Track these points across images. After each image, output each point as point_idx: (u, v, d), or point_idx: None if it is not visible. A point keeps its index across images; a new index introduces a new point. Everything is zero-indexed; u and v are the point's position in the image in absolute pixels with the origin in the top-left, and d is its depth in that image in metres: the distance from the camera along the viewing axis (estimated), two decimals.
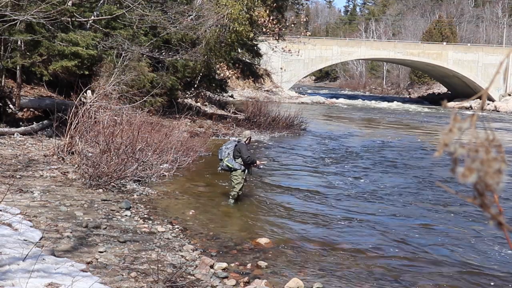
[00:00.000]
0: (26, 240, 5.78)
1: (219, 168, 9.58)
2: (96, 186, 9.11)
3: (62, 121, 12.09)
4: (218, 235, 7.54)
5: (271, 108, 23.60)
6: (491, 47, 53.26)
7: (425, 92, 63.53)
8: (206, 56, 20.55)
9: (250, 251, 6.96)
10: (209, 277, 5.79)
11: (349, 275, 6.37)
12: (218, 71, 28.09)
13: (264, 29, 26.19)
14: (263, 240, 7.38)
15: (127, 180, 9.75)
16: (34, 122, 14.00)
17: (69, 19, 14.26)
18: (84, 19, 15.25)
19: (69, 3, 14.23)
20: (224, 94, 27.73)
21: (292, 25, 36.33)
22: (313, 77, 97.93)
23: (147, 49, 16.99)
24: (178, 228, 7.59)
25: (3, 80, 14.52)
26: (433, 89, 63.86)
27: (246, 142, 9.61)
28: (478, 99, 1.06)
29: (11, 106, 14.08)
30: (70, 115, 10.96)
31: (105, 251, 6.02)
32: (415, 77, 66.50)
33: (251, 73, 31.55)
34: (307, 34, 41.15)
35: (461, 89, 52.02)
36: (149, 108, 15.44)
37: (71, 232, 6.52)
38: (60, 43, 13.66)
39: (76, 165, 10.17)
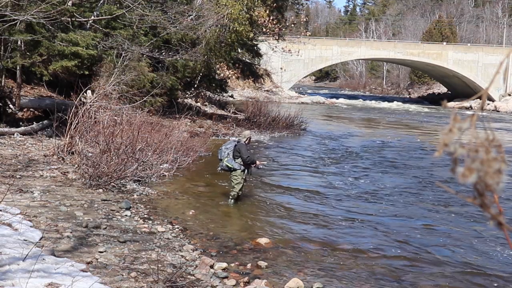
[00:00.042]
0: (26, 240, 5.78)
1: (219, 168, 9.58)
2: (96, 186, 9.11)
3: (62, 121, 12.09)
4: (218, 235, 7.54)
5: (271, 108, 23.59)
6: (491, 47, 53.28)
7: (425, 92, 63.54)
8: (206, 56, 20.56)
9: (250, 251, 6.96)
10: (209, 277, 5.79)
11: (349, 275, 6.37)
12: (218, 71, 28.09)
13: (264, 29, 26.19)
14: (263, 240, 7.38)
15: (127, 180, 9.75)
16: (34, 122, 14.00)
17: (69, 19, 14.26)
18: (84, 19, 15.25)
19: (69, 3, 14.23)
20: (224, 94, 27.73)
21: (292, 25, 36.31)
22: (313, 77, 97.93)
23: (147, 49, 16.99)
24: (178, 228, 7.59)
25: (3, 80, 14.52)
26: (433, 89, 63.87)
27: (246, 142, 9.61)
28: (478, 99, 1.05)
29: (11, 106, 14.08)
30: (70, 115, 10.96)
31: (105, 251, 6.02)
32: (415, 77, 66.51)
33: (251, 73, 31.56)
34: (307, 34, 41.14)
35: (461, 89, 52.03)
36: (149, 108, 15.44)
37: (71, 232, 6.52)
38: (60, 43, 13.66)
39: (76, 165, 10.18)
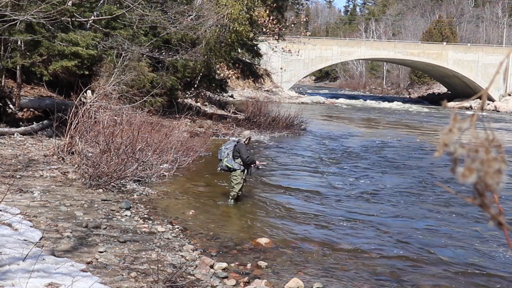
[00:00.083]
0: (26, 240, 5.78)
1: (219, 168, 9.58)
2: (96, 186, 9.11)
3: (62, 121, 12.09)
4: (218, 235, 7.54)
5: (271, 108, 23.59)
6: (491, 47, 53.28)
7: (425, 92, 63.54)
8: (206, 56, 20.56)
9: (250, 251, 6.96)
10: (209, 277, 5.79)
11: (349, 276, 6.37)
12: (218, 71, 28.09)
13: (264, 29, 26.20)
14: (263, 240, 7.38)
15: (127, 180, 9.75)
16: (34, 122, 14.00)
17: (69, 19, 14.26)
18: (84, 19, 15.25)
19: (69, 3, 14.23)
20: (224, 94, 27.73)
21: (292, 25, 36.32)
22: (313, 77, 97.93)
23: (147, 49, 16.99)
24: (178, 228, 7.59)
25: (3, 80, 14.52)
26: (433, 89, 63.88)
27: (246, 142, 9.61)
28: (478, 99, 1.05)
29: (11, 106, 14.08)
30: (70, 115, 10.96)
31: (105, 251, 6.02)
32: (415, 77, 66.52)
33: (251, 73, 31.56)
34: (307, 34, 41.15)
35: (461, 89, 52.03)
36: (149, 108, 15.44)
37: (71, 232, 6.52)
38: (60, 43, 13.66)
39: (76, 165, 10.18)
